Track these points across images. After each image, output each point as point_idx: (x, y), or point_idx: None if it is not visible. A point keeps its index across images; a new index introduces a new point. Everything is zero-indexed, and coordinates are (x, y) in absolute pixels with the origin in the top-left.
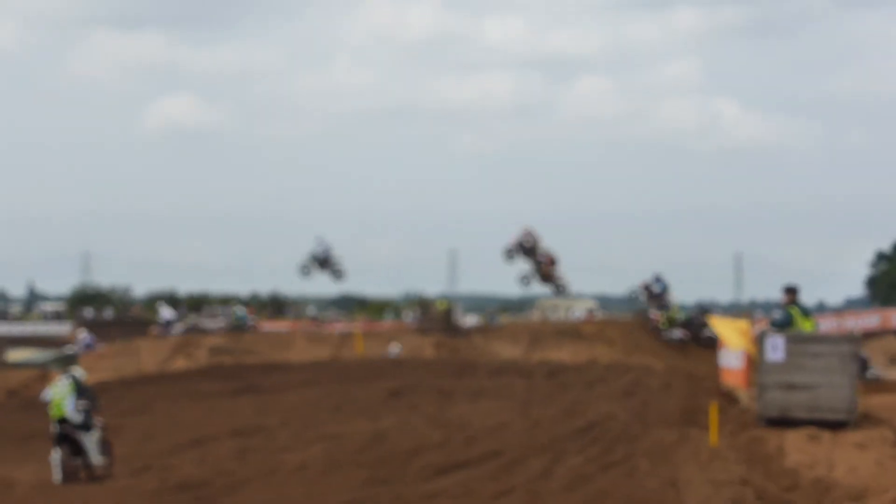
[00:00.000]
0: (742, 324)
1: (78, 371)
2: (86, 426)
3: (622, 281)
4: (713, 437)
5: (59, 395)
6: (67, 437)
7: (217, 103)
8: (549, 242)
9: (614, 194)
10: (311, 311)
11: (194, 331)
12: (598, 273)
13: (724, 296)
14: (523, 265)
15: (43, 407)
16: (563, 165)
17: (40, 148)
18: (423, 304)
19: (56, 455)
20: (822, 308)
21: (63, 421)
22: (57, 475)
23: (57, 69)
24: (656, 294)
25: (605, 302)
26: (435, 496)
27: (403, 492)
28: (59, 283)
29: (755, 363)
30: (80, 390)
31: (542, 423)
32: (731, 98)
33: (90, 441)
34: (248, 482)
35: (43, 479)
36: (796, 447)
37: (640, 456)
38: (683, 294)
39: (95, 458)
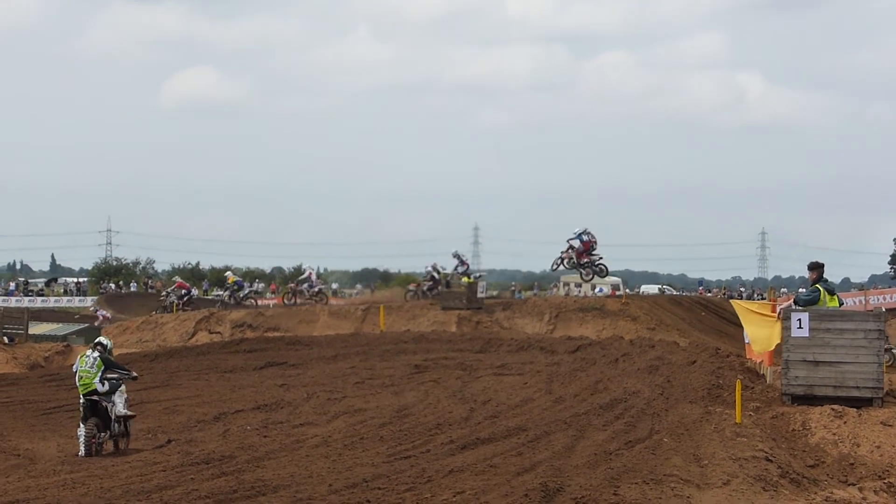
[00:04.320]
0: (763, 306)
1: (105, 342)
2: (114, 388)
3: (646, 257)
4: (738, 413)
5: (88, 369)
6: (94, 412)
7: (237, 77)
8: (572, 217)
9: (637, 170)
10: (333, 285)
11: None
12: (621, 249)
13: (749, 273)
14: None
15: (66, 379)
16: (585, 141)
17: (61, 123)
18: (445, 280)
19: (82, 429)
20: (847, 285)
21: (90, 394)
22: (81, 449)
23: (76, 43)
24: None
25: (628, 278)
26: (458, 471)
27: (426, 467)
28: (81, 258)
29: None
30: (109, 364)
31: (566, 399)
32: (755, 73)
33: (119, 397)
34: (271, 456)
35: (66, 452)
36: (821, 424)
37: (663, 432)
38: (708, 272)
39: (120, 407)
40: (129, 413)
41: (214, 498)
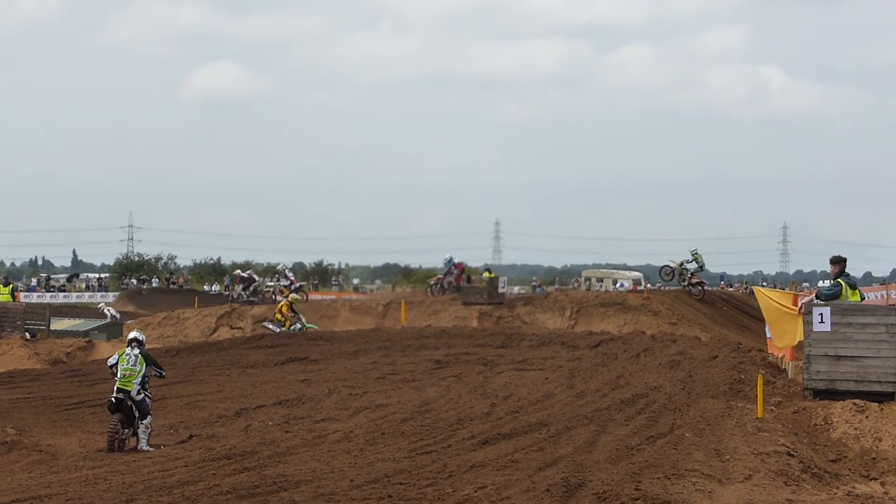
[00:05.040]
0: (785, 297)
1: (141, 337)
2: (143, 412)
3: (667, 251)
4: (759, 408)
5: (131, 367)
6: (120, 408)
7: (258, 72)
8: (592, 212)
9: (657, 164)
10: (354, 281)
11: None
12: (642, 244)
13: (770, 267)
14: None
15: (88, 375)
16: (605, 135)
17: (83, 118)
18: (467, 275)
19: (111, 423)
20: (868, 279)
21: (124, 392)
22: (106, 443)
23: (97, 38)
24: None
25: (649, 273)
26: (479, 466)
27: (448, 462)
28: (102, 253)
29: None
30: (149, 360)
31: (587, 394)
32: (777, 66)
33: (142, 427)
34: (293, 451)
35: (88, 447)
36: (843, 419)
37: (685, 427)
38: (729, 266)
39: (143, 444)
40: (148, 449)
41: (236, 493)
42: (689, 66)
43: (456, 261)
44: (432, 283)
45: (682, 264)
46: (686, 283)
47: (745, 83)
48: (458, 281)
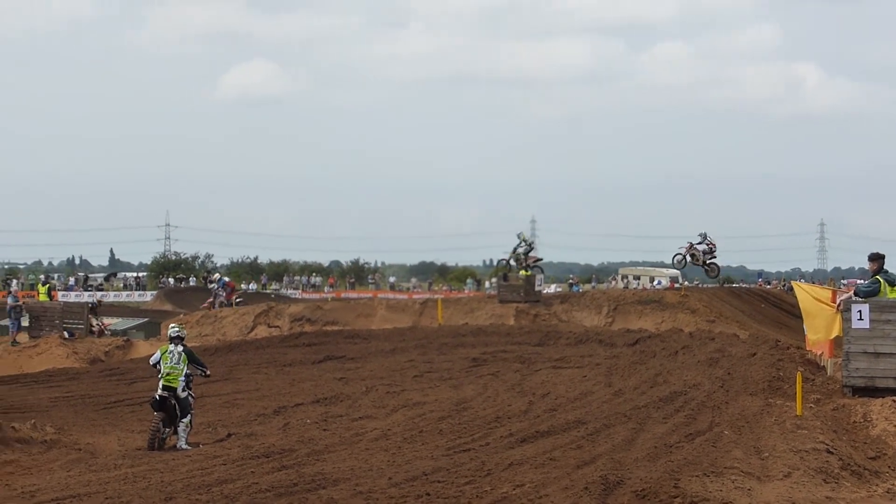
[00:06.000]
0: (824, 292)
1: (183, 333)
2: (184, 410)
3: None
4: (798, 405)
5: (174, 365)
6: (163, 406)
7: (291, 70)
8: (628, 209)
9: (693, 161)
10: (391, 279)
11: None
12: (678, 241)
13: (808, 265)
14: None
15: (127, 374)
16: (640, 132)
17: (118, 117)
18: (503, 273)
19: (154, 421)
20: None
21: (169, 389)
22: (146, 441)
23: (132, 38)
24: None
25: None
26: (518, 464)
27: (486, 460)
28: (140, 252)
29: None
30: (192, 358)
31: (625, 392)
32: (812, 63)
33: (182, 425)
34: (331, 449)
35: (127, 446)
36: (882, 416)
37: (724, 425)
38: (767, 263)
39: (182, 442)
40: (187, 448)
41: (275, 491)
42: (722, 64)
43: (226, 280)
44: (203, 305)
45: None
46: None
47: (780, 80)
48: (228, 298)
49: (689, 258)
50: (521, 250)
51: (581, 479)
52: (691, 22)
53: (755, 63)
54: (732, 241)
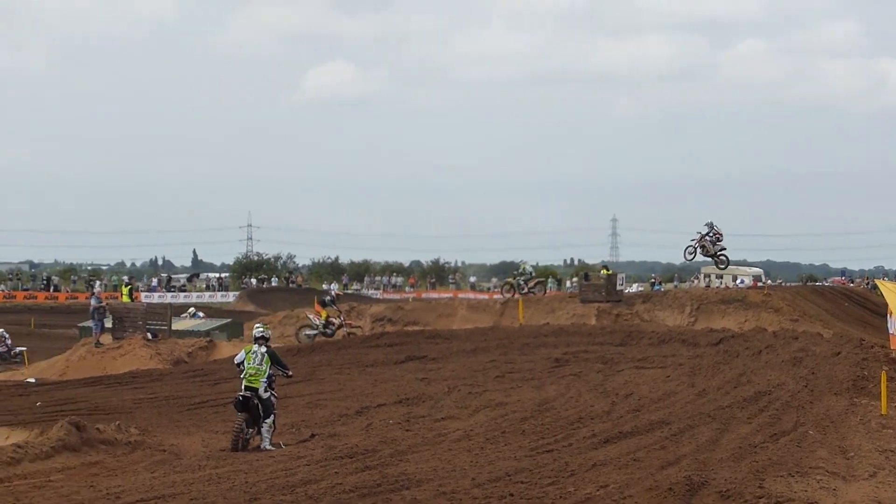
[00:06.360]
0: None
1: (267, 334)
2: (267, 411)
3: (787, 246)
4: (883, 405)
5: (256, 366)
6: (246, 407)
7: (373, 70)
8: (711, 206)
9: (775, 158)
10: (471, 279)
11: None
12: (762, 239)
13: (893, 262)
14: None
15: (210, 375)
16: (721, 129)
17: (201, 119)
18: (584, 272)
19: (237, 422)
20: None
21: (251, 390)
22: (230, 442)
23: (214, 39)
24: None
25: (770, 269)
26: (601, 465)
27: (569, 460)
28: (222, 253)
29: None
30: (274, 359)
31: (709, 392)
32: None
33: (266, 426)
34: (414, 450)
35: (211, 447)
36: None
37: (808, 425)
38: (850, 261)
39: (266, 443)
40: (271, 448)
41: (358, 492)
42: (804, 60)
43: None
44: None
45: (702, 237)
46: (713, 255)
47: (862, 76)
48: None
49: (699, 249)
50: (522, 278)
51: (665, 479)
52: (773, 19)
53: (837, 59)
54: (816, 238)
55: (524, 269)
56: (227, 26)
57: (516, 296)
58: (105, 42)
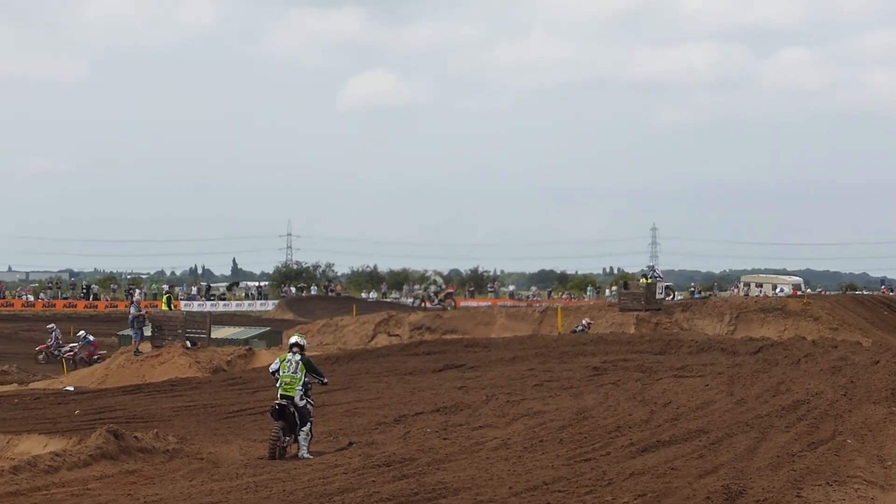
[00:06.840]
0: None
1: (302, 342)
2: (304, 419)
3: (827, 256)
4: None
5: (291, 374)
6: (282, 415)
7: (413, 79)
8: (751, 215)
9: (816, 167)
10: (510, 287)
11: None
12: (802, 248)
13: None
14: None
15: (249, 383)
16: (763, 137)
17: (241, 127)
18: (624, 281)
19: (273, 430)
20: None
21: (287, 398)
22: (267, 450)
23: (255, 49)
24: None
25: (809, 278)
26: (639, 474)
27: (607, 469)
28: (262, 262)
29: None
30: (309, 367)
31: (748, 401)
32: None
33: (303, 434)
34: (451, 458)
35: (249, 455)
36: None
37: (847, 433)
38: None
39: (304, 451)
40: (309, 457)
41: (395, 500)
42: (848, 68)
43: (91, 338)
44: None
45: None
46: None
47: None
48: (89, 356)
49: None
50: (432, 289)
51: (703, 488)
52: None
53: (882, 66)
54: (856, 247)
55: (434, 279)
56: (265, 36)
57: (428, 305)
58: (147, 52)
